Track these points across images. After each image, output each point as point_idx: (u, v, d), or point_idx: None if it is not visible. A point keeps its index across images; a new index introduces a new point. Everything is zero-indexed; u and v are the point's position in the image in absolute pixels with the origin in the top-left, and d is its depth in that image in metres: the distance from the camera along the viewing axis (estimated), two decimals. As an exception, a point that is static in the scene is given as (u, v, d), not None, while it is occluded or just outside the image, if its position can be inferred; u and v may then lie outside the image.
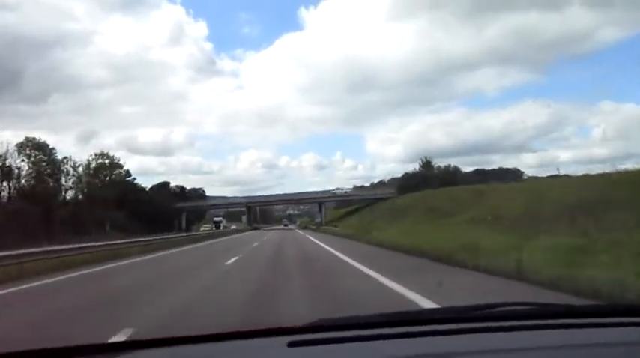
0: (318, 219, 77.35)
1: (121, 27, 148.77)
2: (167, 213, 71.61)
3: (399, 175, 79.60)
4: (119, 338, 4.11)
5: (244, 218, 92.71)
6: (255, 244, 27.48)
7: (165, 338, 1.46)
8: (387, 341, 1.44)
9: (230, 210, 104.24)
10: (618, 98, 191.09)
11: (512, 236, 13.90)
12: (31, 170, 57.78)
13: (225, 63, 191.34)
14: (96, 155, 70.12)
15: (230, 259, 15.93)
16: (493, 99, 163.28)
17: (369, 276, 10.01)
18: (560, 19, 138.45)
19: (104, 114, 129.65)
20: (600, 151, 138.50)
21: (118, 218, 58.05)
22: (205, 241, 35.40)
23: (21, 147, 57.62)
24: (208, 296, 8.46)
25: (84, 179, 65.20)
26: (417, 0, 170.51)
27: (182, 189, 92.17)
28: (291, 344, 1.38)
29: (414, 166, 76.86)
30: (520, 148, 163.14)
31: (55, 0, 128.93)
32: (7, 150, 55.16)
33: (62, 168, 62.16)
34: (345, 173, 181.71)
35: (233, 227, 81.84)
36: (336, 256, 16.46)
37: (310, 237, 35.47)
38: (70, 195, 63.51)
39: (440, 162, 75.44)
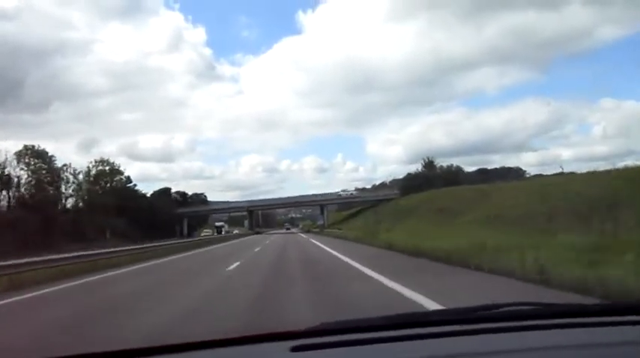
0: (320, 222, 76.94)
1: (120, 34, 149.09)
2: (168, 219, 71.39)
3: (401, 176, 79.66)
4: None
5: (246, 222, 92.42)
6: (257, 249, 27.04)
7: (167, 345, 1.45)
8: (391, 343, 1.42)
9: (232, 214, 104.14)
10: (618, 95, 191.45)
11: (533, 235, 13.29)
12: (30, 178, 57.63)
13: (224, 68, 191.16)
14: (96, 162, 70.16)
15: (232, 265, 15.79)
16: (493, 99, 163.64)
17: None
18: (559, 18, 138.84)
19: (105, 121, 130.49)
20: (601, 149, 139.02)
21: (119, 225, 57.81)
22: (206, 247, 34.88)
23: (20, 155, 57.50)
24: (209, 302, 8.35)
25: (84, 186, 65.07)
26: (416, 0, 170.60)
27: (184, 194, 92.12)
28: (295, 349, 1.37)
29: (416, 167, 76.77)
30: (521, 147, 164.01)
31: (54, 9, 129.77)
32: (6, 158, 55.15)
33: (62, 175, 62.13)
34: (346, 175, 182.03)
35: (235, 231, 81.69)
36: (358, 269, 12.09)
37: (316, 242, 32.47)
38: (70, 202, 63.67)
39: (441, 163, 75.29)
